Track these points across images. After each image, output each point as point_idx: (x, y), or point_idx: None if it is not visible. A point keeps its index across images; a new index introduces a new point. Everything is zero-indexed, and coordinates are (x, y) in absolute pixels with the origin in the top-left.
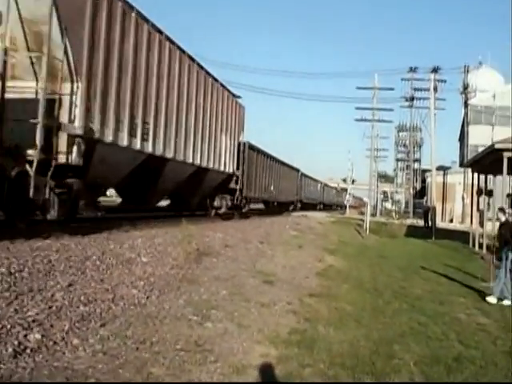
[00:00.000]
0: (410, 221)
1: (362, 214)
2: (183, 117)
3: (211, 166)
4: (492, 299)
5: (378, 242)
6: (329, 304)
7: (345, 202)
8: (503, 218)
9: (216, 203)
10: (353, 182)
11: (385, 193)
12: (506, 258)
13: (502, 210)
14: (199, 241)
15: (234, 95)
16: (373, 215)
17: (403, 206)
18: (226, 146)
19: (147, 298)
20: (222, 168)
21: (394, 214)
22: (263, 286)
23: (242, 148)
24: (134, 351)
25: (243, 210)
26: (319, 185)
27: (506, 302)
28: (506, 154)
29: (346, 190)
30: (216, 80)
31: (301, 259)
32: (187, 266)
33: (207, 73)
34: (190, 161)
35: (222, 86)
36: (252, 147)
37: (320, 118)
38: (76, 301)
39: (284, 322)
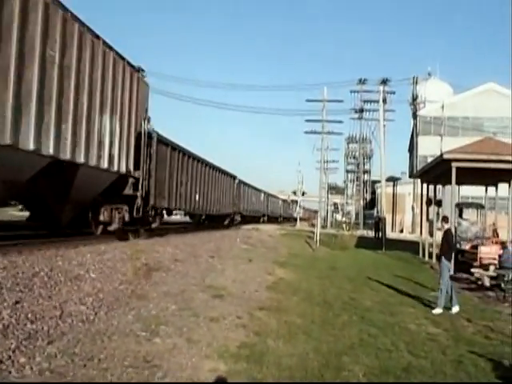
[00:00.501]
0: (361, 232)
1: (313, 226)
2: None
3: (82, 159)
4: (438, 310)
5: (328, 254)
6: (278, 317)
7: (295, 215)
8: (446, 227)
9: (103, 217)
10: (303, 194)
11: (335, 204)
12: (442, 266)
13: (444, 218)
14: (149, 256)
15: (132, 66)
16: (323, 227)
17: (354, 217)
18: (115, 133)
19: (96, 314)
20: (105, 165)
21: (344, 225)
22: (213, 300)
23: (144, 139)
24: (82, 368)
25: (152, 226)
26: (262, 195)
27: (454, 310)
28: (455, 164)
29: (296, 202)
30: (105, 43)
31: (251, 273)
32: (136, 282)
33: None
34: (31, 148)
35: (115, 52)
36: (164, 141)
37: (270, 131)
38: (23, 318)
39: (233, 336)
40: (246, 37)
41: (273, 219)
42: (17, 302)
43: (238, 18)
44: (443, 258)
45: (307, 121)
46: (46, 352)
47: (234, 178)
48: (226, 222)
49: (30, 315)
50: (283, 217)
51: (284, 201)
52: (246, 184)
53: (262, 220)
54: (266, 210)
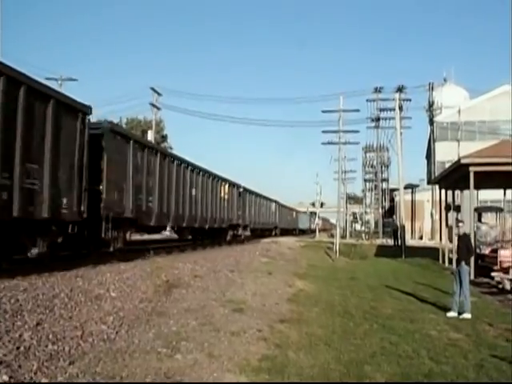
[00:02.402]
0: (380, 241)
1: (332, 236)
2: None
3: None
4: (452, 314)
5: (348, 264)
6: (299, 329)
7: (313, 226)
8: (461, 231)
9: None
10: (322, 205)
11: (354, 214)
12: (459, 272)
13: (458, 220)
14: (168, 273)
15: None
16: (343, 237)
17: (373, 226)
18: None
19: (116, 332)
20: None
21: (363, 234)
22: (233, 314)
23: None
24: None
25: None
26: (274, 205)
27: (466, 316)
28: (472, 169)
29: (315, 213)
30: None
31: (271, 286)
32: (156, 299)
33: None
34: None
35: None
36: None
37: (287, 144)
38: (44, 339)
39: (254, 349)
40: (259, 52)
41: (287, 232)
42: (38, 324)
43: (250, 29)
44: (463, 262)
45: (324, 132)
46: (67, 372)
47: (238, 186)
48: (229, 238)
49: (51, 336)
50: (299, 229)
51: (302, 212)
52: (252, 193)
53: (273, 233)
54: (278, 221)
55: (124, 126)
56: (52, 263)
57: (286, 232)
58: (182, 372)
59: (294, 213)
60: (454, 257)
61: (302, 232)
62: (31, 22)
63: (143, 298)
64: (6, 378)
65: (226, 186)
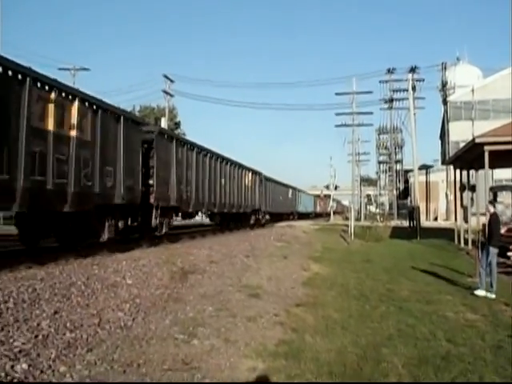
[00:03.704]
0: (395, 222)
1: (347, 219)
2: None
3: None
4: (480, 292)
5: (363, 246)
6: (315, 313)
7: (328, 209)
8: (492, 210)
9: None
10: (336, 188)
11: (368, 196)
12: (487, 251)
13: (491, 202)
14: (184, 259)
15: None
16: (357, 220)
17: (387, 208)
18: None
19: (133, 320)
20: None
21: (378, 216)
22: (249, 299)
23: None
24: (121, 374)
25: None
26: (291, 191)
27: (490, 295)
28: (487, 148)
29: (329, 196)
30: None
31: (286, 270)
32: (173, 286)
33: None
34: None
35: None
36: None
37: (300, 127)
38: (62, 328)
39: (271, 334)
40: (271, 35)
41: (304, 216)
42: (55, 312)
43: (262, 15)
44: (491, 243)
45: (337, 114)
46: (85, 360)
47: (259, 174)
48: (252, 222)
49: (68, 324)
50: (315, 213)
51: (317, 196)
52: (271, 180)
53: (291, 217)
54: (295, 206)
55: (137, 113)
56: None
57: (303, 216)
58: (199, 358)
59: (312, 197)
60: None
61: (319, 215)
62: (44, 12)
63: (159, 284)
64: (25, 366)
65: (250, 175)
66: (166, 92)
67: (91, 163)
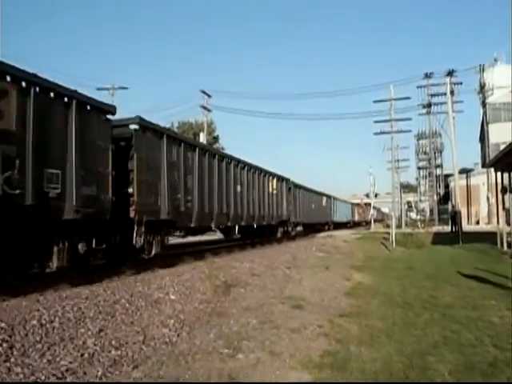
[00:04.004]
0: (436, 228)
1: (388, 226)
2: None
3: None
4: None
5: (405, 254)
6: (359, 322)
7: (369, 217)
8: None
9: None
10: (376, 195)
11: (409, 203)
12: None
13: None
14: (226, 273)
15: None
16: (398, 227)
17: (428, 213)
18: None
19: (178, 335)
20: None
21: (419, 223)
22: (292, 311)
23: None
24: None
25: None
26: (325, 199)
27: None
28: None
29: (369, 204)
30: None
31: (329, 280)
32: (216, 300)
33: None
34: None
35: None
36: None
37: (337, 137)
38: (107, 345)
39: (315, 345)
40: (307, 46)
41: (341, 225)
42: (100, 330)
43: (299, 24)
44: None
45: (375, 122)
46: (131, 377)
47: (287, 180)
48: (279, 235)
49: (113, 342)
50: (353, 221)
51: (355, 204)
52: (301, 187)
53: (326, 228)
54: (330, 215)
55: (176, 129)
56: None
57: (340, 225)
58: (244, 371)
59: (324, 199)
60: None
61: (358, 224)
62: (80, 33)
63: (202, 299)
64: None
65: (274, 181)
66: (204, 107)
67: (18, 163)
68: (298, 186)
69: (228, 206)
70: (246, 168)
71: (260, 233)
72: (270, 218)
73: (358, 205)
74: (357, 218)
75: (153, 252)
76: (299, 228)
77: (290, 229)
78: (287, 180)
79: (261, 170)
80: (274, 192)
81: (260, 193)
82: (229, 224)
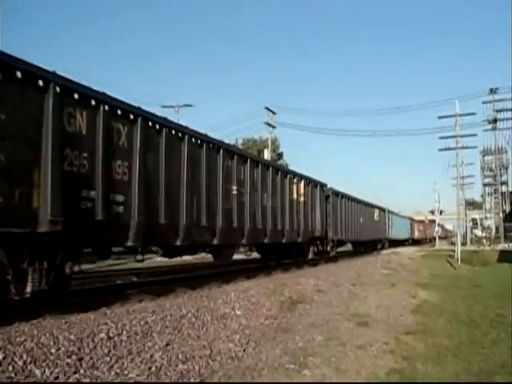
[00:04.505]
0: (502, 246)
1: (453, 244)
2: None
3: None
4: None
5: (470, 272)
6: (425, 340)
7: (434, 234)
8: None
9: None
10: (441, 213)
11: (474, 220)
12: None
13: None
14: (291, 289)
15: None
16: (463, 244)
17: (494, 231)
18: None
19: (244, 350)
20: None
21: (484, 240)
22: (358, 328)
23: None
24: None
25: None
26: (377, 212)
27: None
28: None
29: (434, 221)
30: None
31: (394, 298)
32: (281, 316)
33: None
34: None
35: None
36: None
37: (403, 153)
38: (174, 359)
39: (381, 362)
40: (371, 62)
41: (397, 243)
42: (167, 344)
43: (357, 40)
44: None
45: (440, 138)
46: None
47: (322, 185)
48: (311, 256)
49: (180, 356)
50: (412, 239)
51: (418, 220)
52: (344, 196)
53: (379, 246)
54: (385, 231)
55: (240, 146)
56: None
57: (397, 243)
58: None
59: (377, 212)
60: None
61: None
62: (144, 53)
63: (268, 315)
64: None
65: (301, 185)
66: (268, 124)
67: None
68: (339, 194)
69: (220, 217)
70: (260, 165)
71: (281, 253)
72: (296, 233)
73: (418, 221)
74: (417, 234)
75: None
76: (342, 248)
77: (329, 248)
78: (323, 185)
79: (280, 170)
80: (301, 199)
81: (278, 200)
82: (214, 243)
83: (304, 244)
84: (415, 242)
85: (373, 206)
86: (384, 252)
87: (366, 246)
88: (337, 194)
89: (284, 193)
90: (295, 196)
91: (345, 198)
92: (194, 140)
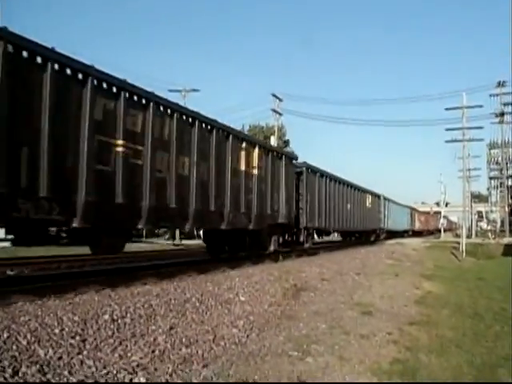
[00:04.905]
0: (507, 239)
1: (458, 236)
2: None
3: None
4: None
5: (475, 264)
6: (429, 331)
7: (439, 226)
8: None
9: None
10: (446, 204)
11: (479, 213)
12: None
13: None
14: (296, 276)
15: None
16: (468, 237)
17: (499, 224)
18: None
19: (247, 336)
20: None
21: (489, 233)
22: (362, 317)
23: None
24: None
25: None
26: (369, 198)
27: None
28: None
29: (439, 213)
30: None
31: (398, 288)
32: (285, 303)
33: None
34: None
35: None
36: None
37: (409, 143)
38: (178, 343)
39: (385, 352)
40: (376, 50)
41: (396, 234)
42: (171, 328)
43: (371, 32)
44: None
45: (447, 129)
46: (201, 375)
47: (291, 158)
48: (372, 239)
49: (184, 340)
50: (413, 230)
51: (424, 212)
52: (325, 175)
53: (372, 237)
54: (380, 221)
55: (246, 132)
56: None
57: (395, 234)
58: (313, 375)
59: (369, 198)
60: None
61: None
62: (154, 38)
63: (272, 301)
64: (143, 380)
65: (255, 154)
66: (274, 111)
67: None
68: (317, 172)
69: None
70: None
71: (236, 243)
72: (242, 217)
73: (420, 211)
74: (417, 226)
75: None
76: (317, 238)
77: (300, 238)
78: (292, 158)
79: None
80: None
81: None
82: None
83: (261, 233)
84: (416, 234)
85: (364, 191)
86: (388, 242)
87: (357, 237)
88: (314, 171)
89: (224, 161)
90: (243, 167)
91: (326, 177)
92: None
